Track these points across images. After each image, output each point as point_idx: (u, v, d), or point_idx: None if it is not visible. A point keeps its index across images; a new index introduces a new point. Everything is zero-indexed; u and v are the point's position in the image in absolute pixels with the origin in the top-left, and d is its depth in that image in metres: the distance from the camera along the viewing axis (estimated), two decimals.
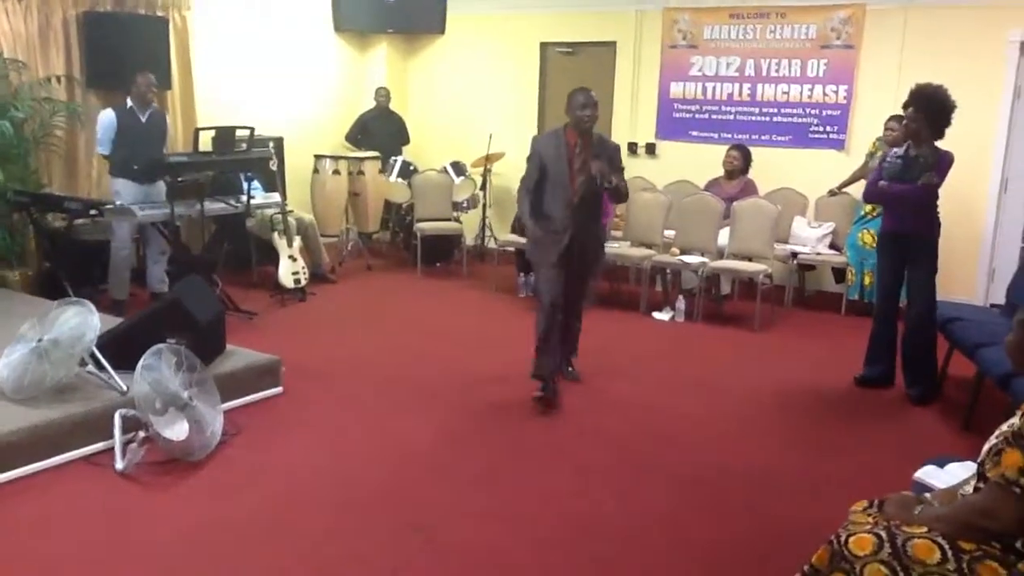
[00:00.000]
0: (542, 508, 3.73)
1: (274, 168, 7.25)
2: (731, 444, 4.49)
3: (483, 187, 9.05)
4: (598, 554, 3.36)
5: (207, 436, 4.06)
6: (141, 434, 3.95)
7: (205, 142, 6.67)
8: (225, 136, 6.59)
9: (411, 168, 8.89)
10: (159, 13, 7.50)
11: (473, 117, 9.44)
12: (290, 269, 7.10)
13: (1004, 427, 2.34)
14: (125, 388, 4.21)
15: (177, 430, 3.94)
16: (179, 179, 6.26)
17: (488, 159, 8.90)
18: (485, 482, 3.97)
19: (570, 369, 5.43)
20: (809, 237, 7.51)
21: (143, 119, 6.51)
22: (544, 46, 9.16)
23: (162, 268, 6.76)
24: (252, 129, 6.90)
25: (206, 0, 7.95)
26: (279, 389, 4.99)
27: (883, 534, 2.28)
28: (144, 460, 3.93)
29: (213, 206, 6.67)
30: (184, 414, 3.99)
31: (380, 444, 4.36)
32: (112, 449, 3.98)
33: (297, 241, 7.27)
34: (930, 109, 4.97)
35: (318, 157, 8.50)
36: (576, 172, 4.84)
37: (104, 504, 3.64)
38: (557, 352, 5.06)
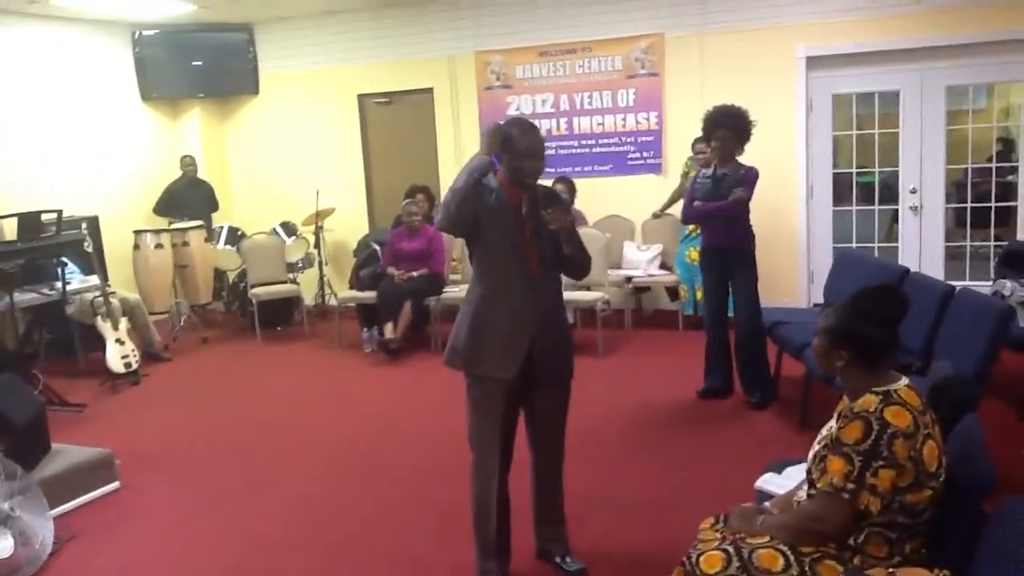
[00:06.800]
0: (404, 570, 3.65)
1: (89, 249, 6.88)
2: (582, 471, 4.50)
3: (316, 245, 8.89)
4: None
5: (36, 548, 3.76)
6: None
7: (9, 230, 6.28)
8: (30, 222, 6.25)
9: (239, 233, 8.67)
10: None
11: (298, 175, 9.28)
12: (118, 353, 6.73)
13: (824, 431, 2.46)
14: None
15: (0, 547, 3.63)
16: None
17: (319, 216, 8.75)
18: (342, 553, 3.85)
19: (568, 560, 3.48)
20: (640, 260, 7.76)
21: None
22: (362, 97, 9.13)
23: None
24: (60, 211, 6.55)
25: None
26: (116, 484, 4.69)
27: (730, 549, 2.35)
28: None
29: (24, 297, 6.27)
30: (7, 528, 3.68)
31: (229, 528, 4.16)
32: None
33: (123, 323, 6.89)
34: (738, 127, 5.29)
35: (138, 232, 8.15)
36: (530, 240, 3.24)
37: None
38: (508, 537, 3.45)
